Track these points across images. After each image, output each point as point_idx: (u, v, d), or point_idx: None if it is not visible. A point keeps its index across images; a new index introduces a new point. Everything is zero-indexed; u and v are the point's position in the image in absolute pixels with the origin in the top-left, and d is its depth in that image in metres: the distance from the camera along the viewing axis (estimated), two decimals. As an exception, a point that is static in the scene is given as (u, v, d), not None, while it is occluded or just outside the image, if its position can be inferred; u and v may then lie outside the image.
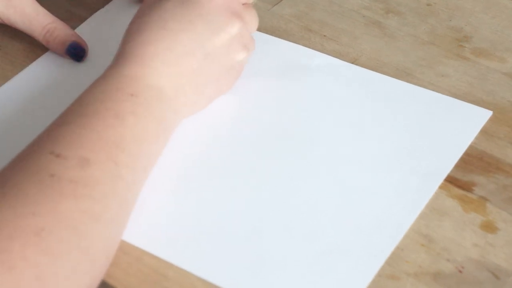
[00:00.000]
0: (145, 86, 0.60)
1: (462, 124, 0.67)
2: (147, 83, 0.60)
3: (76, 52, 0.72)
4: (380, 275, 0.56)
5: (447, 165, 0.63)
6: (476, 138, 0.66)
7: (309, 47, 0.73)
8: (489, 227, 0.59)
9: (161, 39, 0.61)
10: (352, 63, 0.72)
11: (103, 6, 0.78)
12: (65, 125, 0.56)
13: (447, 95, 0.69)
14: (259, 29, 0.75)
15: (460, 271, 0.57)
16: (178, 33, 0.62)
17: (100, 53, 0.73)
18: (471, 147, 0.65)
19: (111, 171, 0.55)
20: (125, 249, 0.57)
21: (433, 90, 0.70)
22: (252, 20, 0.66)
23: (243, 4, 0.66)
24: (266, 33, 0.75)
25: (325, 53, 0.73)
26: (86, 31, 0.75)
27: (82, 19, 0.76)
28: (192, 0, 0.63)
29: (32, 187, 0.52)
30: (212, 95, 0.65)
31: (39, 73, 0.71)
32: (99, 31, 0.75)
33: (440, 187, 0.62)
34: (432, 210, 0.60)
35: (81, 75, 0.71)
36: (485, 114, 0.67)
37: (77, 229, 0.51)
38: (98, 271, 0.53)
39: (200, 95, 0.64)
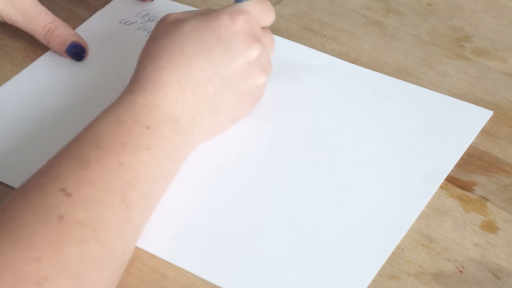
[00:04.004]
0: (161, 117, 0.58)
1: (463, 124, 0.67)
2: (163, 113, 0.58)
3: (76, 52, 0.71)
4: (380, 275, 0.56)
5: (448, 165, 0.63)
6: (477, 138, 0.66)
7: (309, 47, 0.73)
8: (489, 227, 0.59)
9: (177, 65, 0.60)
10: (353, 63, 0.72)
11: (103, 6, 0.78)
12: (77, 158, 0.54)
13: (447, 95, 0.69)
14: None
15: (461, 271, 0.57)
16: (195, 58, 0.60)
17: (100, 53, 0.73)
18: (471, 147, 0.65)
19: (121, 213, 0.53)
20: (125, 249, 0.58)
21: (433, 90, 0.70)
22: (270, 43, 0.65)
23: (262, 28, 0.64)
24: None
25: (325, 53, 0.73)
26: (87, 31, 0.75)
27: (82, 19, 0.76)
28: (211, 24, 0.61)
29: (38, 229, 0.50)
30: (228, 122, 0.64)
31: (39, 73, 0.71)
32: (99, 31, 0.75)
33: (441, 187, 0.62)
34: (433, 210, 0.60)
35: (81, 75, 0.71)
36: (485, 114, 0.67)
37: (80, 276, 0.49)
38: None
39: (216, 122, 0.62)
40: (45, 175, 0.54)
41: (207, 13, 0.62)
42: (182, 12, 0.64)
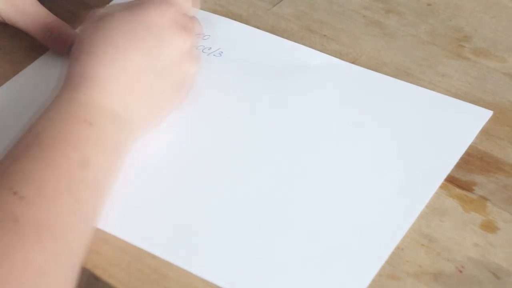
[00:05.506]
0: (101, 112, 0.59)
1: (462, 124, 0.67)
2: (102, 107, 0.59)
3: (76, 52, 0.71)
4: (380, 274, 0.56)
5: (448, 165, 0.63)
6: (477, 138, 0.66)
7: (309, 47, 0.73)
8: (489, 227, 0.59)
9: (112, 60, 0.60)
10: (352, 63, 0.72)
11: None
12: (24, 159, 0.55)
13: (447, 95, 0.69)
14: (259, 28, 0.75)
15: (460, 271, 0.57)
16: (130, 51, 0.61)
17: (100, 53, 0.73)
18: (471, 147, 0.65)
19: (72, 207, 0.54)
20: (125, 249, 0.57)
21: (433, 90, 0.70)
22: (199, 31, 0.66)
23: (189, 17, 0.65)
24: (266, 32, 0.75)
25: (325, 53, 0.73)
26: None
27: (82, 19, 0.76)
28: (140, 18, 0.62)
29: None
30: (165, 112, 0.65)
31: (39, 73, 0.71)
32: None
33: (441, 187, 0.62)
34: (433, 209, 0.60)
35: (81, 75, 0.71)
36: (485, 114, 0.67)
37: (44, 272, 0.51)
38: None
39: (154, 113, 0.63)
40: None
41: (134, 6, 0.63)
42: (108, 6, 0.64)
